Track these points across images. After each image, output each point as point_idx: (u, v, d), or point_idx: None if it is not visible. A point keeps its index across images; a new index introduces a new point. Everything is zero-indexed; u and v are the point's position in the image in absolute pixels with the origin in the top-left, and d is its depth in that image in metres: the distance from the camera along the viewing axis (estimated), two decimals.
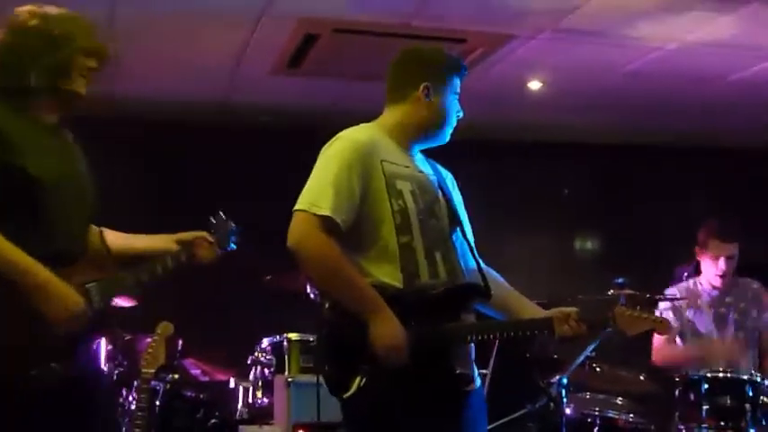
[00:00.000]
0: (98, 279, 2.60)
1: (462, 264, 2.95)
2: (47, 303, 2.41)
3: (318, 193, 2.75)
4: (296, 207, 2.76)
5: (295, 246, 2.75)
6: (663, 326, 2.94)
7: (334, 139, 2.86)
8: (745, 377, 4.23)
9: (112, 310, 2.99)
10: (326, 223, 2.73)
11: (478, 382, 2.92)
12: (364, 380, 2.68)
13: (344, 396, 2.70)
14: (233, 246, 2.94)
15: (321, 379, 2.91)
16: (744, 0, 4.14)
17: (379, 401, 2.69)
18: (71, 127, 2.74)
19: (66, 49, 2.62)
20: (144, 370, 4.20)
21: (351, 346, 2.72)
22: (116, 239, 2.86)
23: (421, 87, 2.92)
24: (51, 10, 2.68)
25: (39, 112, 2.62)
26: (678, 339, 4.75)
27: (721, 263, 4.64)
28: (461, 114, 2.99)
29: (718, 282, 4.68)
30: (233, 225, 2.95)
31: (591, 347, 4.25)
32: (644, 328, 2.85)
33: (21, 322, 2.42)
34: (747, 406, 4.17)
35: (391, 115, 2.98)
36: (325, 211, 2.72)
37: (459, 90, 3.01)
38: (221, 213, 2.94)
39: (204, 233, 2.86)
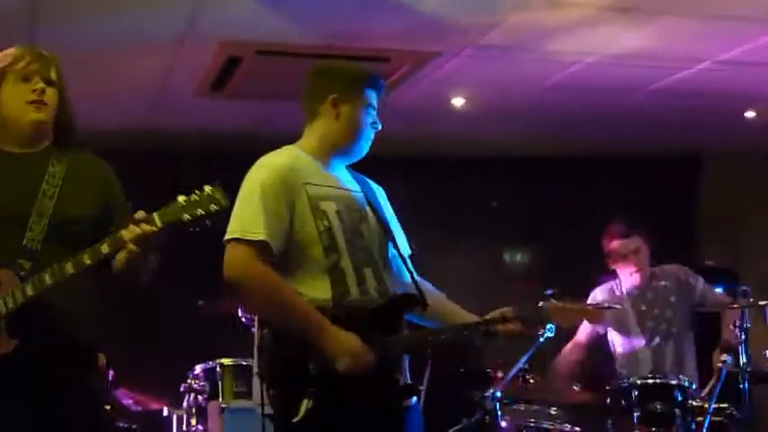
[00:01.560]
0: None
1: (395, 278, 3.00)
2: None
3: (249, 219, 2.77)
4: (228, 236, 2.78)
5: (235, 278, 2.77)
6: (595, 314, 3.03)
7: (255, 165, 2.89)
8: (674, 382, 4.33)
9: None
10: (262, 249, 2.76)
11: (414, 398, 2.97)
12: (311, 402, 2.71)
13: (294, 420, 2.72)
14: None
15: (257, 404, 2.91)
16: (657, 13, 4.24)
17: (328, 422, 2.72)
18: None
19: None
20: None
21: (294, 371, 2.75)
22: None
23: (329, 99, 2.96)
24: None
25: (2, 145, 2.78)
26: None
27: (630, 260, 4.77)
28: (379, 127, 3.00)
29: (636, 280, 4.81)
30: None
31: (524, 359, 4.33)
32: (576, 317, 2.94)
33: None
34: (677, 411, 4.27)
35: (308, 134, 3.02)
36: (261, 236, 2.75)
37: (374, 103, 3.01)
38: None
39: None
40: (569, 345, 4.90)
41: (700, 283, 4.82)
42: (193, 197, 2.61)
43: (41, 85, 2.75)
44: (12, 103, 2.75)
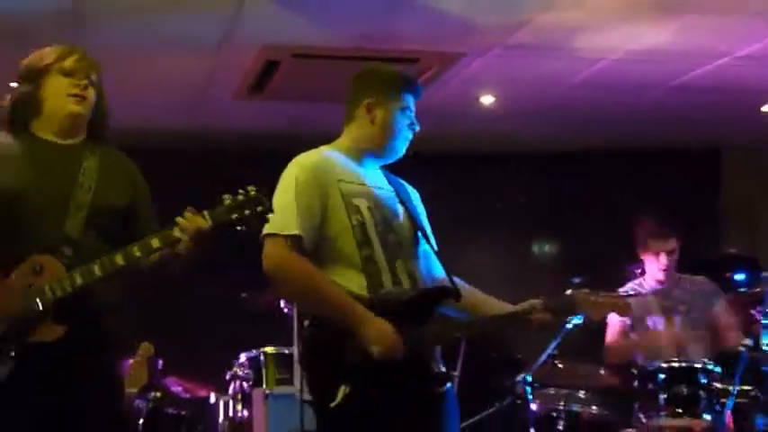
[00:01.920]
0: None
1: (427, 272, 2.99)
2: None
3: (283, 215, 2.77)
4: (265, 231, 2.78)
5: (273, 270, 2.78)
6: (623, 307, 2.98)
7: (290, 164, 2.90)
8: (699, 365, 4.28)
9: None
10: (296, 242, 2.76)
11: (449, 384, 2.95)
12: (349, 388, 2.70)
13: (331, 405, 2.71)
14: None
15: (303, 391, 2.91)
16: (678, 10, 4.20)
17: (365, 407, 2.71)
18: None
19: (37, 78, 2.75)
20: (127, 390, 4.19)
21: (333, 359, 2.74)
22: None
23: (363, 104, 2.95)
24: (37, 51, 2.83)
25: (38, 133, 2.77)
26: (631, 334, 4.81)
27: (662, 258, 4.71)
28: (416, 128, 2.99)
29: (661, 276, 4.75)
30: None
31: (553, 345, 4.30)
32: (606, 310, 2.90)
33: None
34: (702, 393, 4.22)
35: (345, 135, 3.02)
36: (294, 230, 2.76)
37: (411, 105, 3.00)
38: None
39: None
40: (612, 336, 4.83)
41: (721, 306, 4.75)
42: (240, 198, 2.61)
43: (85, 81, 2.76)
44: (54, 94, 2.75)
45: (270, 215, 2.67)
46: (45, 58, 2.78)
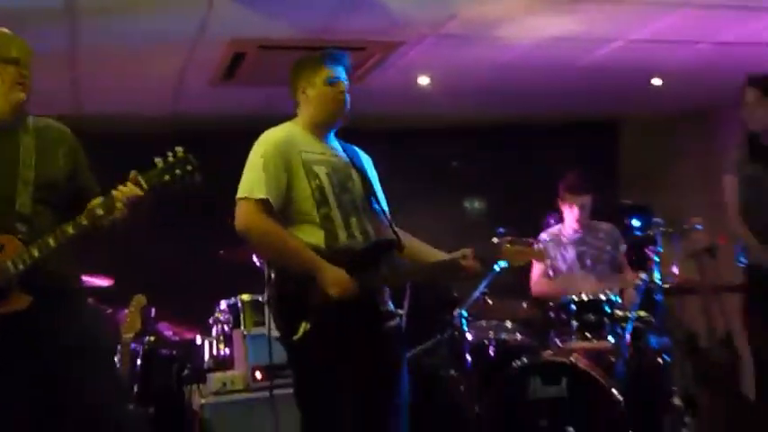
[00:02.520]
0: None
1: (376, 226, 3.02)
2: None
3: (253, 182, 2.80)
4: (238, 196, 2.81)
5: (244, 229, 2.81)
6: (540, 254, 3.04)
7: (259, 139, 2.92)
8: (603, 297, 4.38)
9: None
10: (264, 205, 2.78)
11: (398, 319, 2.99)
12: (309, 325, 2.74)
13: (294, 339, 2.75)
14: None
15: (272, 330, 2.93)
16: (580, 3, 4.24)
17: (322, 340, 2.75)
18: None
19: None
20: (124, 336, 4.19)
21: (296, 302, 2.79)
22: None
23: (299, 90, 2.97)
24: None
25: None
26: (551, 272, 4.89)
27: (575, 210, 4.80)
28: (343, 90, 2.95)
29: (576, 225, 4.84)
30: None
31: (483, 285, 4.37)
32: (524, 257, 2.95)
33: None
34: (606, 320, 4.34)
35: (299, 116, 3.06)
36: (262, 194, 2.77)
37: (336, 72, 2.95)
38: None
39: None
40: (535, 278, 4.90)
41: (622, 249, 4.87)
42: (170, 159, 2.53)
43: (27, 70, 2.59)
44: (2, 83, 2.56)
45: (241, 181, 2.65)
46: None
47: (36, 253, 2.48)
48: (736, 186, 3.57)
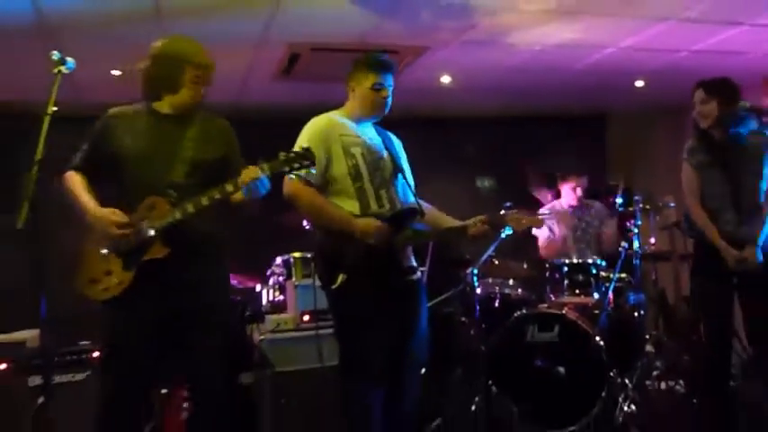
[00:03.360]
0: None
1: (402, 198, 2.98)
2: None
3: None
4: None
5: (290, 197, 2.79)
6: (538, 222, 2.99)
7: (306, 125, 2.90)
8: (590, 261, 4.35)
9: None
10: (306, 180, 2.77)
11: (419, 274, 2.96)
12: (345, 276, 2.72)
13: (333, 287, 2.73)
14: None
15: (317, 281, 2.92)
16: (580, 15, 4.14)
17: (356, 289, 2.74)
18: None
19: (177, 66, 2.61)
20: None
21: (336, 257, 2.78)
22: None
23: (350, 86, 2.95)
24: (168, 38, 2.68)
25: (160, 108, 2.68)
26: (552, 235, 4.87)
27: (577, 189, 4.76)
28: (385, 96, 2.91)
29: (574, 202, 4.79)
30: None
31: (492, 248, 4.31)
32: (527, 224, 2.91)
33: None
34: (592, 279, 4.30)
35: (346, 105, 3.02)
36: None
37: (381, 79, 2.93)
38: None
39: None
40: (542, 243, 4.87)
41: (611, 225, 4.80)
42: (291, 154, 2.53)
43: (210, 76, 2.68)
44: (185, 81, 2.64)
45: (312, 168, 2.60)
46: (184, 51, 2.62)
47: (178, 215, 2.54)
48: (691, 172, 3.39)
